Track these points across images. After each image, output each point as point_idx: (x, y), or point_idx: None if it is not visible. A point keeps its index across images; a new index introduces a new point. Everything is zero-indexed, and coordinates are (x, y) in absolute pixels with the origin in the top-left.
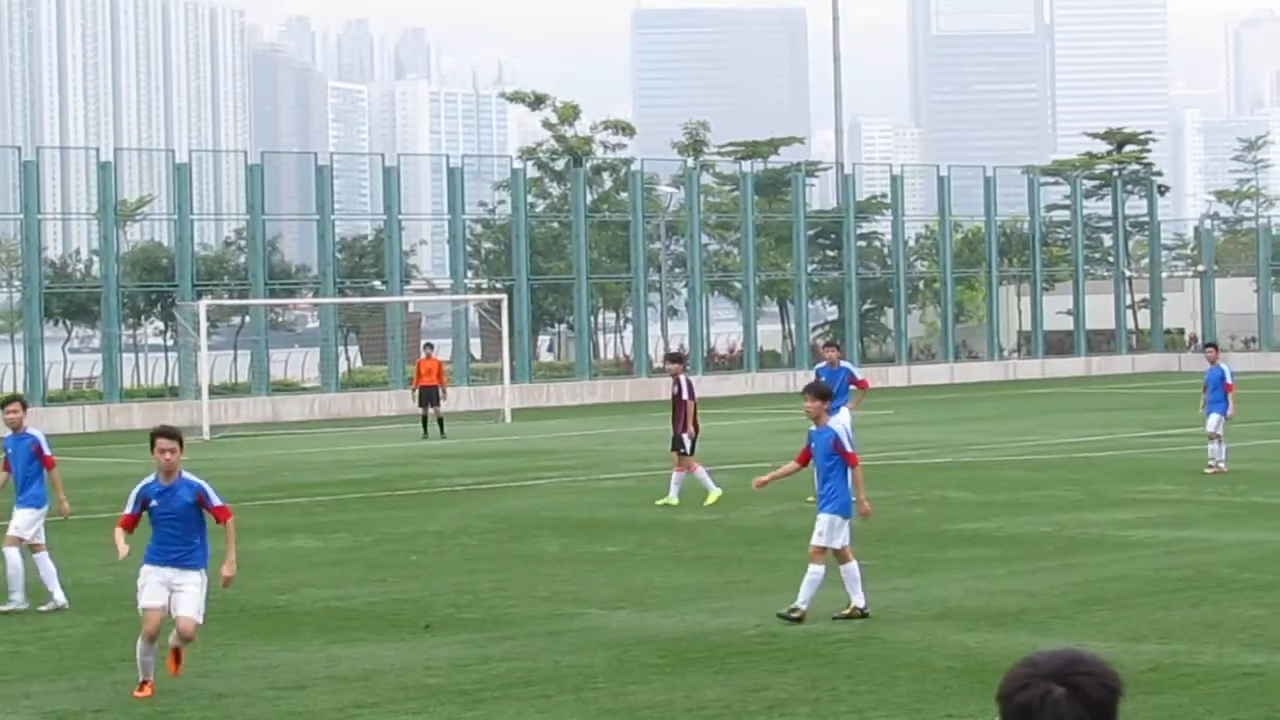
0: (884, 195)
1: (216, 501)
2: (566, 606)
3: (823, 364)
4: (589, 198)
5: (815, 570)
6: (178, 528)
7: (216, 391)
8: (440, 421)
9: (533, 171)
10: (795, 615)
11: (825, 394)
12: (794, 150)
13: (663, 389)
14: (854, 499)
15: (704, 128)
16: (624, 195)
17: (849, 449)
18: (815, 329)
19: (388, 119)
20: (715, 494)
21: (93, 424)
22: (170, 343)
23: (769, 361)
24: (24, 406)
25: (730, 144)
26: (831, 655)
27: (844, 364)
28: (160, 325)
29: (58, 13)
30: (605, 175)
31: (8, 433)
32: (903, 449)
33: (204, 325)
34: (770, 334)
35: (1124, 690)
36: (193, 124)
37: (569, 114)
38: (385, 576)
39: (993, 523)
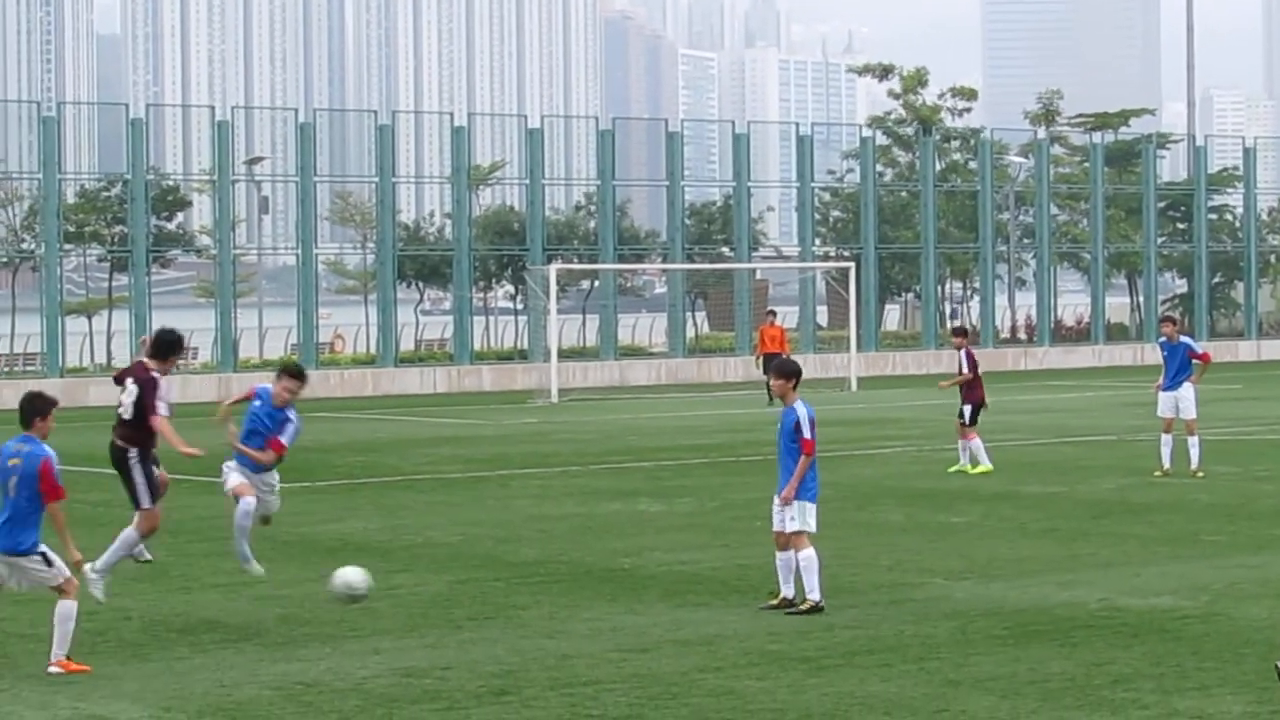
0: (1236, 168)
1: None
2: (910, 576)
3: (1162, 338)
4: (937, 166)
5: (802, 555)
6: None
7: (565, 355)
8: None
9: (881, 139)
10: (807, 607)
11: (789, 372)
12: (1144, 122)
13: (1009, 359)
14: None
15: (1058, 97)
16: (972, 165)
17: (807, 435)
18: (1164, 302)
19: (737, 86)
20: (959, 467)
21: (443, 385)
22: (520, 306)
23: (1116, 334)
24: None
25: (1079, 115)
26: (1177, 631)
27: (1183, 339)
28: (511, 288)
29: None
30: (953, 144)
31: (264, 385)
32: (1251, 424)
33: (554, 289)
34: (1118, 306)
35: None
36: (544, 90)
37: (913, 82)
38: (729, 542)
39: None
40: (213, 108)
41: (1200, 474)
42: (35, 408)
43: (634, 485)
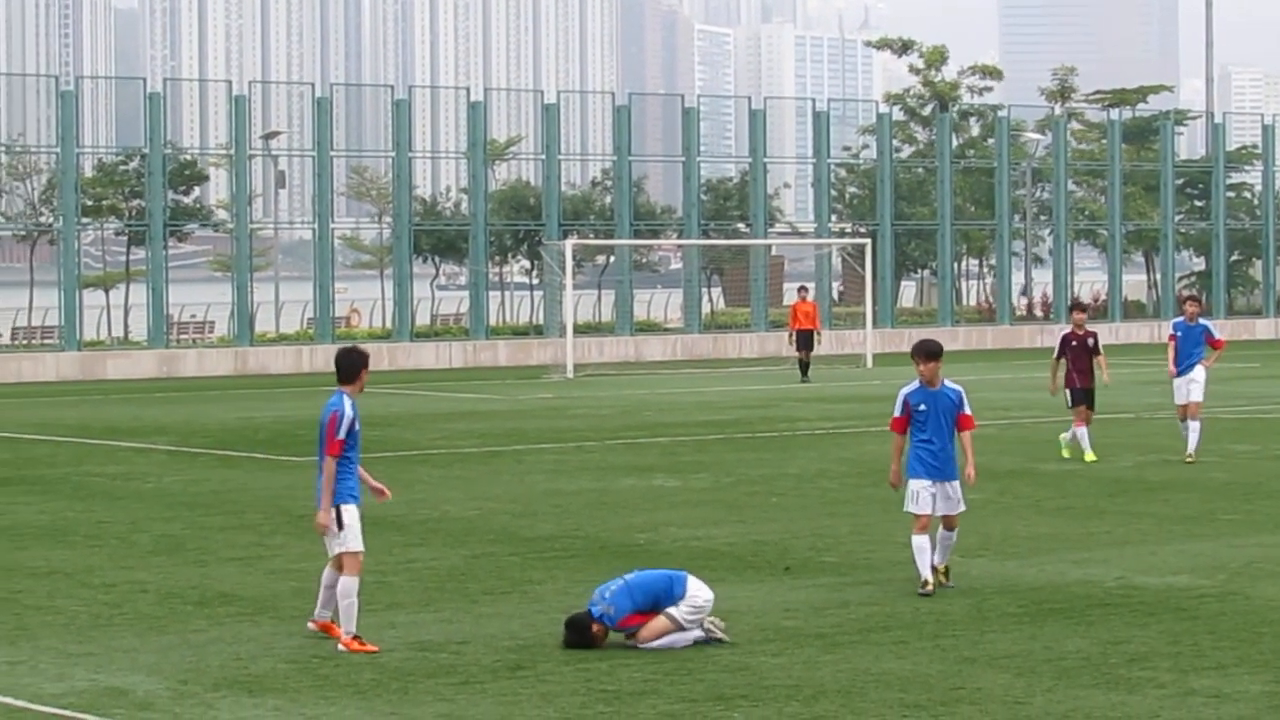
0: (1254, 145)
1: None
2: None
3: (1180, 319)
4: (955, 143)
5: (935, 537)
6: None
7: (580, 330)
8: (806, 365)
9: (898, 116)
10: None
11: (938, 353)
12: (1162, 99)
13: (1025, 337)
14: (966, 462)
15: (1073, 74)
16: (990, 141)
17: (969, 411)
18: (1181, 280)
19: (753, 62)
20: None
21: (459, 360)
22: (536, 281)
23: (1133, 312)
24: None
25: (1097, 91)
26: (1193, 610)
27: (1203, 321)
28: (526, 264)
29: None
30: (971, 121)
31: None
32: (1269, 403)
33: (569, 264)
34: (1135, 284)
35: None
36: (560, 65)
37: (936, 58)
38: (745, 518)
39: None
40: (230, 82)
41: (1191, 459)
42: (342, 364)
43: (649, 461)
